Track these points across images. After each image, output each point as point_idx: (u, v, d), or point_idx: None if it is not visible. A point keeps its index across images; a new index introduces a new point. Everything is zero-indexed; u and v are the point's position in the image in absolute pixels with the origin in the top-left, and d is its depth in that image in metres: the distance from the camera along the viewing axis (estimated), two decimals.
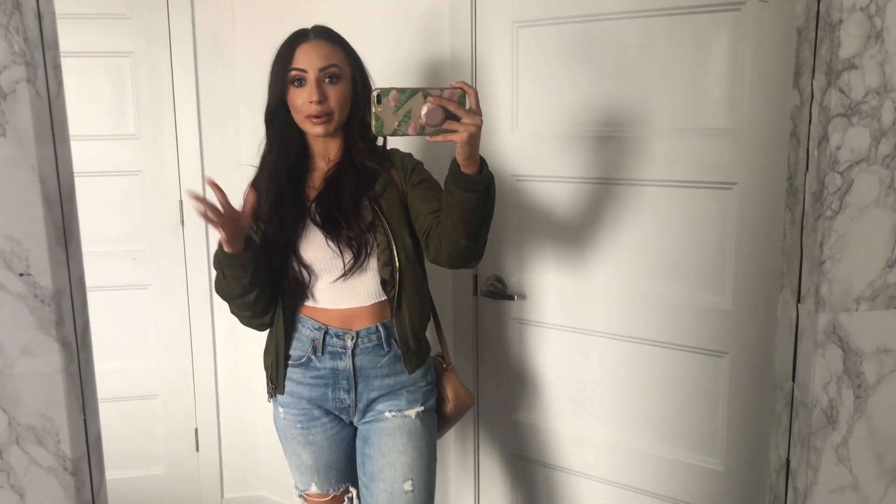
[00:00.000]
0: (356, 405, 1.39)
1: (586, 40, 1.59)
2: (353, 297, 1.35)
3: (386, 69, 1.67)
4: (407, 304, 1.35)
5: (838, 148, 0.85)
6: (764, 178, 1.39)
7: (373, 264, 1.33)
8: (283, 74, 1.29)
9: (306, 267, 1.34)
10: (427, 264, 1.41)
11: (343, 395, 1.38)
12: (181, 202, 2.09)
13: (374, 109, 1.08)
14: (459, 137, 1.07)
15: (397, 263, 1.32)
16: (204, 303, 2.14)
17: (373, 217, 1.32)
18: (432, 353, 1.49)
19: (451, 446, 1.96)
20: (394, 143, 1.47)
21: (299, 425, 1.41)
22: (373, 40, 1.66)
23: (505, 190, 1.73)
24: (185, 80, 2.04)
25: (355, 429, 1.44)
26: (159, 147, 2.08)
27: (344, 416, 1.41)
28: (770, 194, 1.38)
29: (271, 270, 1.35)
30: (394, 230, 1.32)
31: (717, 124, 1.46)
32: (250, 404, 2.17)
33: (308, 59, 1.28)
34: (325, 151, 1.37)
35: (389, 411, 1.38)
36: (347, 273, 1.31)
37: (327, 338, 1.36)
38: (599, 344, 1.69)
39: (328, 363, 1.37)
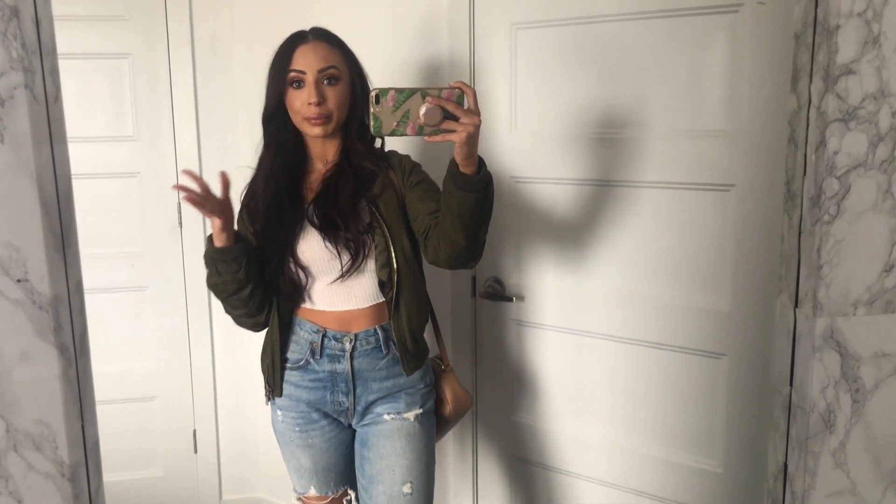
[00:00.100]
0: (355, 408, 1.39)
1: (585, 42, 1.59)
2: (351, 298, 1.35)
3: (385, 70, 1.67)
4: (405, 306, 1.35)
5: (836, 153, 0.86)
6: (762, 180, 1.40)
7: (370, 266, 1.33)
8: (281, 76, 1.29)
9: (303, 268, 1.34)
10: (425, 266, 1.41)
11: (342, 398, 1.38)
12: (179, 204, 2.09)
13: (372, 110, 1.08)
14: (458, 137, 1.07)
15: (395, 265, 1.32)
16: (202, 305, 2.14)
17: (371, 218, 1.32)
18: (431, 355, 1.49)
19: (450, 448, 1.96)
20: (392, 144, 1.47)
21: (298, 428, 1.41)
22: (371, 42, 1.66)
23: (503, 191, 1.73)
24: (184, 82, 2.04)
25: (354, 431, 1.44)
26: (157, 149, 2.07)
27: (342, 419, 1.41)
28: (769, 196, 1.38)
29: (267, 272, 1.35)
30: (392, 231, 1.32)
31: (715, 126, 1.46)
32: (249, 406, 2.17)
33: (306, 61, 1.28)
34: (322, 153, 1.37)
35: (388, 414, 1.38)
36: (345, 274, 1.32)
37: (325, 340, 1.36)
38: (598, 345, 1.69)
39: (326, 366, 1.37)
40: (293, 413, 1.41)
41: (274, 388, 1.42)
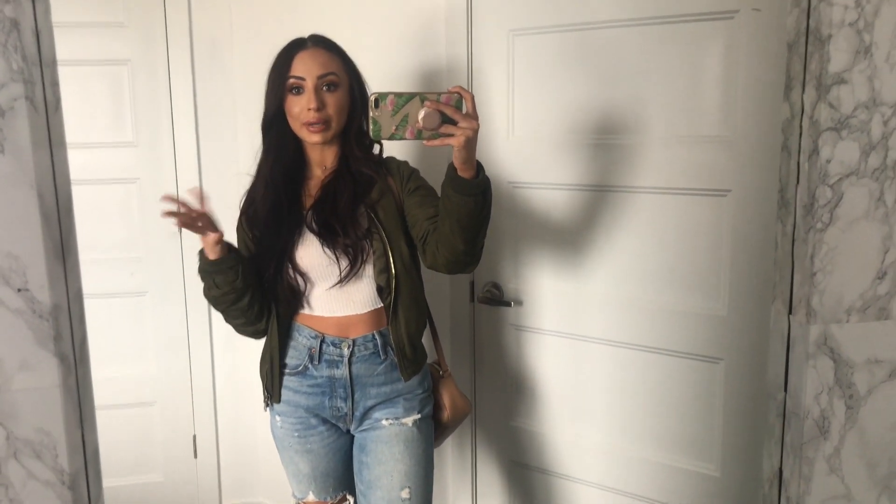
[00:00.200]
0: (353, 413, 1.39)
1: (581, 48, 1.60)
2: (350, 304, 1.36)
3: (383, 76, 1.68)
4: (403, 311, 1.36)
5: (828, 161, 0.86)
6: (759, 186, 1.40)
7: (369, 271, 1.34)
8: (280, 82, 1.30)
9: (302, 274, 1.34)
10: (424, 271, 1.41)
11: (340, 404, 1.38)
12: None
13: (371, 114, 1.08)
14: (456, 141, 1.08)
15: (393, 270, 1.33)
16: (201, 310, 2.15)
17: (369, 224, 1.33)
18: (429, 361, 1.49)
19: (449, 453, 1.96)
20: (390, 149, 1.47)
21: (296, 434, 1.41)
22: (370, 48, 1.67)
23: (501, 197, 1.74)
24: (183, 88, 2.05)
25: (352, 437, 1.44)
26: (157, 154, 2.08)
27: (341, 425, 1.42)
28: (764, 201, 1.39)
29: (265, 278, 1.35)
30: (390, 237, 1.33)
31: (711, 132, 1.47)
32: (248, 411, 2.18)
33: (306, 67, 1.29)
34: (321, 159, 1.38)
35: (386, 419, 1.39)
36: (344, 280, 1.32)
37: (324, 346, 1.36)
38: (596, 350, 1.69)
39: (325, 371, 1.37)
40: (292, 419, 1.41)
41: (272, 394, 1.42)
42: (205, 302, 1.39)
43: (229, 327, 1.44)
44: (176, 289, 2.15)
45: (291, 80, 1.29)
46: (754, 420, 1.47)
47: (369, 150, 1.39)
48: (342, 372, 1.36)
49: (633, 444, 1.68)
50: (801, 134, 0.89)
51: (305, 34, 1.35)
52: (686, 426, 1.60)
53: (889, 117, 0.86)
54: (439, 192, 1.27)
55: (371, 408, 1.39)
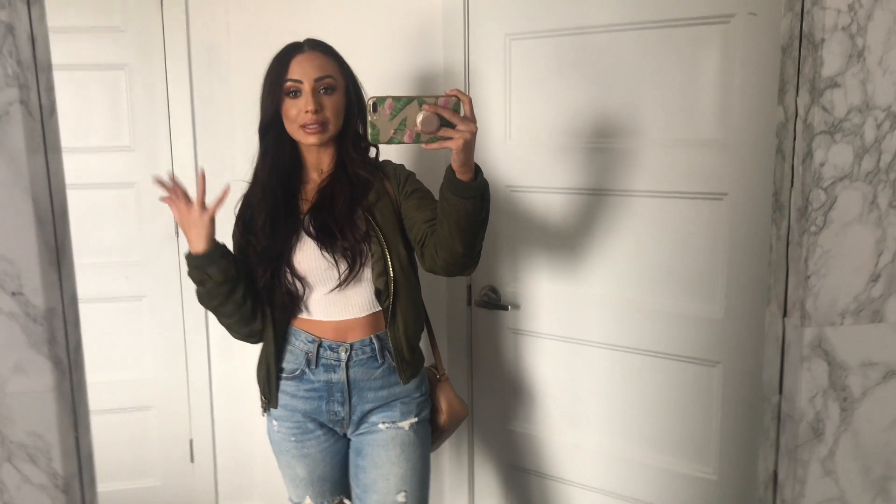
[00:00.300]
0: (350, 417, 1.39)
1: (578, 52, 1.61)
2: (348, 308, 1.36)
3: (380, 80, 1.68)
4: (401, 314, 1.36)
5: (822, 164, 0.87)
6: (755, 189, 1.41)
7: (367, 274, 1.34)
8: (277, 86, 1.30)
9: (300, 279, 1.34)
10: (421, 274, 1.41)
11: (337, 408, 1.38)
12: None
13: (369, 118, 1.09)
14: (455, 144, 1.08)
15: (392, 273, 1.33)
16: (199, 314, 2.14)
17: (367, 227, 1.33)
18: (426, 364, 1.49)
19: (446, 457, 1.96)
20: (387, 152, 1.48)
21: (293, 438, 1.41)
22: (367, 52, 1.67)
23: (498, 200, 1.74)
24: (180, 93, 2.05)
25: (349, 441, 1.44)
26: (154, 159, 2.08)
27: (338, 429, 1.42)
28: (761, 204, 1.39)
29: (262, 283, 1.35)
30: (388, 240, 1.33)
31: (707, 135, 1.47)
32: (245, 415, 2.17)
33: (303, 70, 1.29)
34: (318, 163, 1.38)
35: (383, 423, 1.39)
36: (343, 284, 1.32)
37: (321, 350, 1.36)
38: (594, 353, 1.69)
39: (322, 376, 1.37)
40: (289, 423, 1.41)
41: (269, 399, 1.42)
42: (202, 307, 1.39)
43: (226, 332, 1.43)
44: (173, 293, 2.15)
45: (288, 84, 1.29)
46: (751, 423, 1.47)
47: (365, 152, 1.39)
48: (339, 376, 1.36)
49: (631, 448, 1.68)
50: (795, 137, 0.90)
51: (302, 38, 1.36)
52: (683, 429, 1.60)
53: (882, 121, 0.87)
54: (436, 195, 1.28)
55: (368, 412, 1.39)
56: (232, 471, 2.26)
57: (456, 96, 1.09)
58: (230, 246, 1.41)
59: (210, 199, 1.28)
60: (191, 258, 1.31)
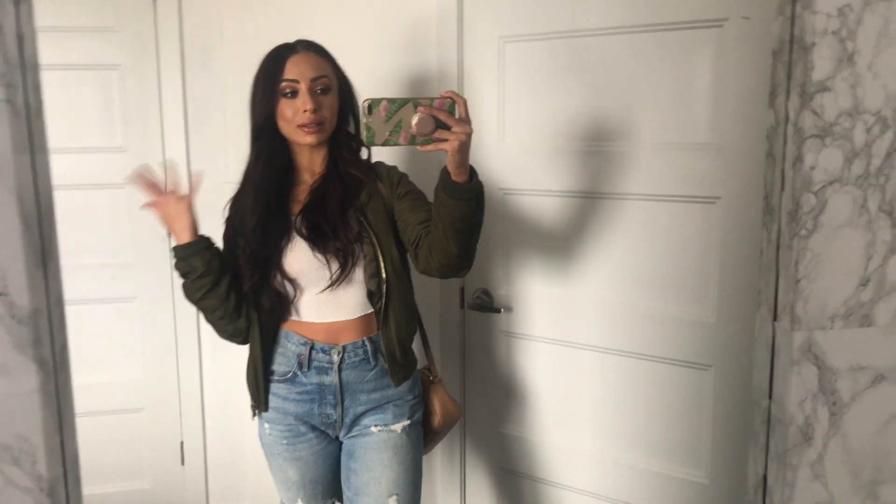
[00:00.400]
0: (343, 420, 1.38)
1: (572, 55, 1.61)
2: (340, 309, 1.35)
3: (374, 82, 1.68)
4: (394, 316, 1.35)
5: (812, 168, 0.87)
6: (748, 193, 1.41)
7: (359, 276, 1.34)
8: (272, 86, 1.30)
9: (291, 281, 1.34)
10: (414, 276, 1.41)
11: (330, 411, 1.38)
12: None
13: (364, 120, 1.09)
14: (450, 146, 1.08)
15: (384, 275, 1.33)
16: (190, 315, 2.13)
17: (359, 228, 1.33)
18: (419, 367, 1.49)
19: (438, 460, 1.95)
20: (381, 154, 1.47)
21: (285, 441, 1.41)
22: (360, 54, 1.67)
23: (492, 203, 1.74)
24: (173, 93, 2.04)
25: (341, 444, 1.43)
26: (146, 160, 2.06)
27: (330, 432, 1.41)
28: (753, 208, 1.40)
29: (249, 286, 1.34)
30: (380, 241, 1.33)
31: (700, 139, 1.48)
32: (236, 417, 2.16)
33: (299, 70, 1.29)
34: (310, 164, 1.38)
35: (375, 426, 1.38)
36: (335, 283, 1.31)
37: (313, 353, 1.36)
38: (587, 357, 1.69)
39: (314, 378, 1.36)
40: (280, 426, 1.40)
41: (259, 403, 1.41)
42: (193, 308, 1.39)
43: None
44: (164, 294, 2.14)
45: (284, 84, 1.29)
46: (743, 427, 1.47)
47: (357, 152, 1.40)
48: (332, 379, 1.36)
49: (623, 451, 1.68)
50: (785, 141, 0.90)
51: (296, 38, 1.35)
52: (675, 433, 1.59)
53: (872, 125, 0.87)
54: (430, 197, 1.28)
55: (361, 414, 1.38)
56: (223, 473, 2.25)
57: (451, 98, 1.09)
58: (221, 246, 1.40)
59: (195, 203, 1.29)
60: (176, 249, 1.33)
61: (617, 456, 1.68)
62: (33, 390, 0.79)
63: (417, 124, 1.07)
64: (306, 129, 1.29)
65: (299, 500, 1.45)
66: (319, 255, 1.31)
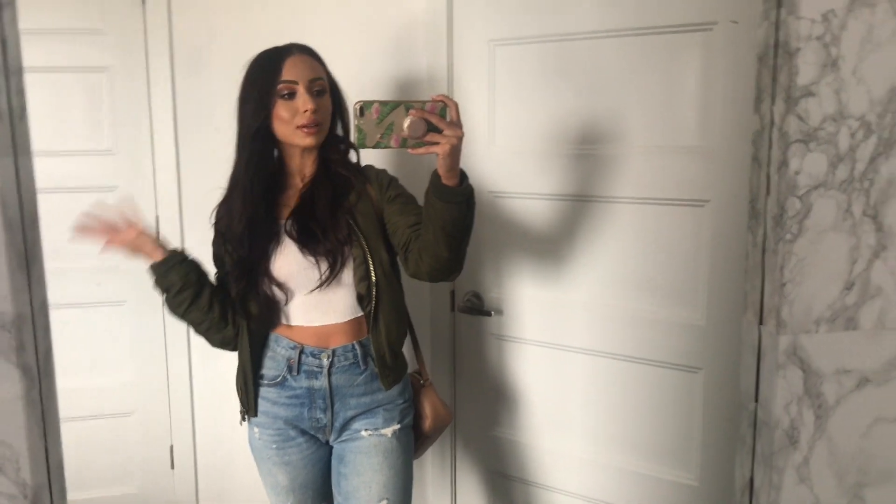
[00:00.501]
0: (332, 424, 1.38)
1: (562, 59, 1.61)
2: (330, 313, 1.35)
3: (363, 86, 1.68)
4: (384, 319, 1.35)
5: (797, 173, 0.87)
6: (736, 196, 1.42)
7: (349, 279, 1.33)
8: (269, 88, 1.28)
9: (280, 285, 1.33)
10: (404, 279, 1.41)
11: (319, 415, 1.37)
12: (157, 217, 2.08)
13: (356, 122, 1.09)
14: (441, 149, 1.09)
15: (373, 278, 1.33)
16: None
17: (348, 230, 1.33)
18: (410, 370, 1.49)
19: (429, 463, 1.95)
20: (371, 157, 1.47)
21: (275, 445, 1.40)
22: (350, 57, 1.67)
23: (482, 206, 1.74)
24: (162, 96, 2.03)
25: (331, 448, 1.43)
26: (135, 163, 2.06)
27: (320, 436, 1.41)
28: (742, 211, 1.39)
29: (237, 292, 1.34)
30: (370, 244, 1.33)
31: (690, 142, 1.48)
32: (226, 421, 2.15)
33: (298, 71, 1.29)
34: (301, 167, 1.37)
35: (366, 430, 1.38)
36: (324, 283, 1.31)
37: (303, 357, 1.36)
38: (577, 359, 1.70)
39: (304, 382, 1.36)
40: (270, 430, 1.40)
41: (248, 408, 1.41)
42: (173, 316, 1.40)
43: None
44: (154, 298, 2.11)
45: (282, 85, 1.28)
46: (733, 429, 1.46)
47: (346, 154, 1.40)
48: (321, 383, 1.35)
49: (613, 454, 1.68)
50: (770, 145, 0.90)
51: (286, 41, 1.35)
52: (665, 436, 1.60)
53: (856, 130, 0.87)
54: (419, 201, 1.27)
55: (351, 418, 1.38)
56: (213, 477, 2.24)
57: (443, 102, 1.09)
58: (209, 255, 1.40)
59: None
60: (152, 268, 1.34)
61: (607, 458, 1.69)
62: (17, 397, 0.78)
63: (409, 127, 1.07)
64: (306, 130, 1.29)
65: None
66: (309, 257, 1.31)
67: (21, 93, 0.80)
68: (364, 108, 1.08)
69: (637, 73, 1.52)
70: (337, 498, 1.42)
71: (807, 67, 0.86)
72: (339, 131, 1.39)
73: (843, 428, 0.90)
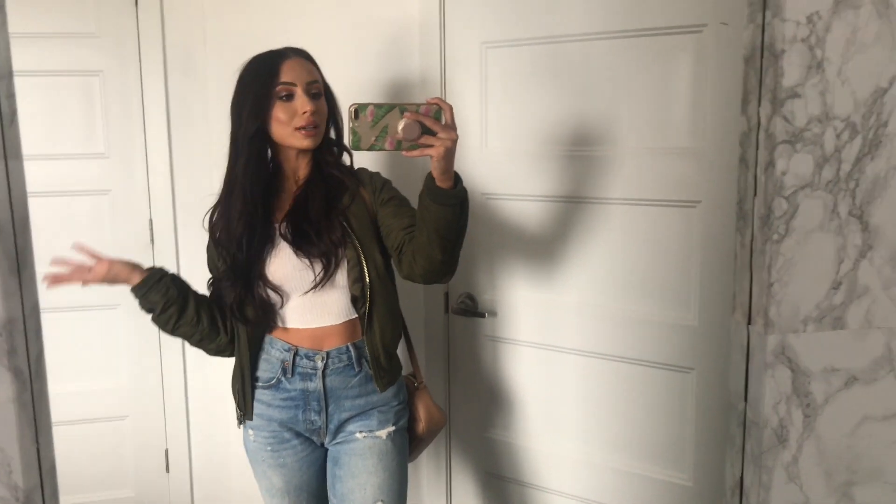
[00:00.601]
0: (327, 426, 1.38)
1: (554, 61, 1.62)
2: (324, 315, 1.35)
3: (356, 89, 1.69)
4: (378, 321, 1.36)
5: (784, 173, 0.88)
6: (727, 197, 1.42)
7: (343, 281, 1.33)
8: (268, 90, 1.28)
9: (275, 288, 1.33)
10: (398, 281, 1.41)
11: (314, 417, 1.37)
12: (151, 221, 2.08)
13: (350, 125, 1.09)
14: (436, 152, 1.09)
15: (367, 279, 1.33)
16: None
17: (342, 232, 1.33)
18: (404, 372, 1.49)
19: (424, 465, 1.95)
20: (365, 159, 1.47)
21: (269, 448, 1.40)
22: (343, 60, 1.68)
23: (475, 208, 1.75)
24: (156, 99, 2.04)
25: (326, 450, 1.43)
26: (129, 166, 2.06)
27: (315, 438, 1.41)
28: (733, 212, 1.40)
29: (232, 297, 1.34)
30: (364, 246, 1.33)
31: (681, 143, 1.49)
32: (221, 425, 2.15)
33: (296, 74, 1.29)
34: (295, 170, 1.37)
35: (360, 432, 1.38)
36: (318, 285, 1.31)
37: (297, 359, 1.36)
38: (570, 360, 1.70)
39: (298, 384, 1.36)
40: (265, 432, 1.40)
41: (245, 411, 1.41)
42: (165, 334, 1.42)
43: None
44: None
45: (281, 87, 1.28)
46: (726, 429, 1.47)
47: (339, 157, 1.40)
48: (316, 385, 1.36)
49: (607, 455, 1.68)
50: (757, 147, 0.91)
51: (279, 45, 1.35)
52: (659, 436, 1.60)
53: (841, 131, 0.88)
54: (413, 203, 1.28)
55: (345, 420, 1.38)
56: (208, 481, 2.24)
57: (437, 104, 1.10)
58: (204, 260, 1.41)
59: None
60: (133, 292, 1.36)
61: (601, 459, 1.69)
62: (8, 400, 0.78)
63: (404, 130, 1.07)
64: (305, 132, 1.29)
65: None
66: (304, 259, 1.31)
67: (11, 97, 0.80)
68: (359, 110, 1.08)
69: (628, 75, 1.53)
70: (332, 500, 1.42)
71: (792, 69, 0.87)
72: (332, 134, 1.40)
73: (831, 427, 0.91)
